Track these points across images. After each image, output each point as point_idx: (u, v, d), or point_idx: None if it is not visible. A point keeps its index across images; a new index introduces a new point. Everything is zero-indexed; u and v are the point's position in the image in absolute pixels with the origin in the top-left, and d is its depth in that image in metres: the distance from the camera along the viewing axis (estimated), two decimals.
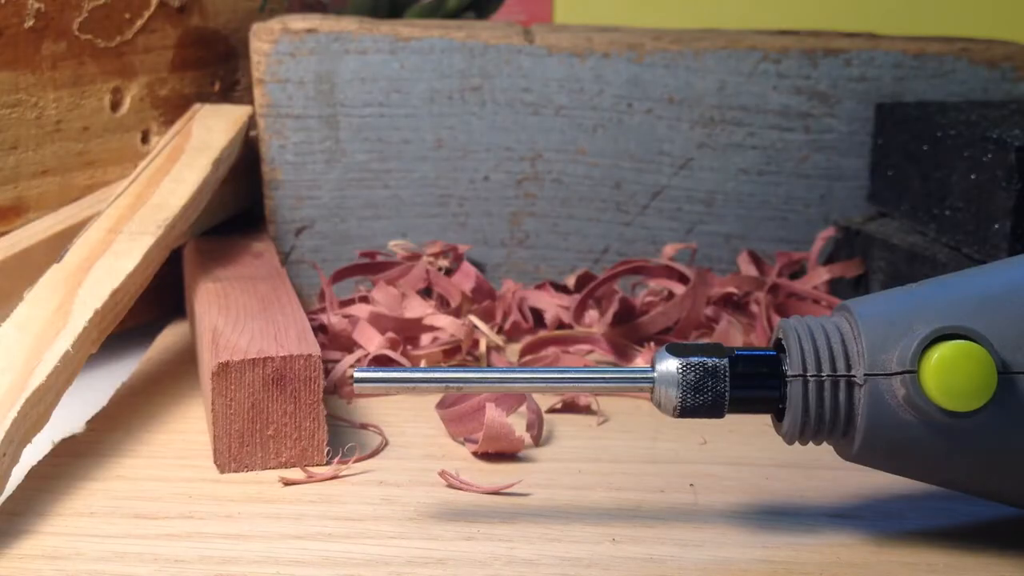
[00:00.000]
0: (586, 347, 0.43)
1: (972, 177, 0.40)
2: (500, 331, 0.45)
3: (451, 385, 0.28)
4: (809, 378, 0.26)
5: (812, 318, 0.27)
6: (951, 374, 0.25)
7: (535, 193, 0.49)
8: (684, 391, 0.27)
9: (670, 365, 0.27)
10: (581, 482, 0.32)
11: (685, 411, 0.27)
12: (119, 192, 0.42)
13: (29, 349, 0.32)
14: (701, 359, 0.27)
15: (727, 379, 0.27)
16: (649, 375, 0.27)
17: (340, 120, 0.48)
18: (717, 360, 0.27)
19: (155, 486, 0.31)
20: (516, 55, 0.48)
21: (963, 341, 0.25)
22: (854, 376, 0.26)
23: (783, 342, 0.27)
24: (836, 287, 0.48)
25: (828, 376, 0.26)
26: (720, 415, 0.27)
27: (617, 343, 0.43)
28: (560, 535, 0.29)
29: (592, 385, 0.29)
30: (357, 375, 0.28)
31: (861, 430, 0.26)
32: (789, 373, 0.27)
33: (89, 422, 0.36)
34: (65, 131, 0.44)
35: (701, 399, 0.27)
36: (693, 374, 0.27)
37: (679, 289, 0.45)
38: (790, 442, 0.27)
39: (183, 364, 0.42)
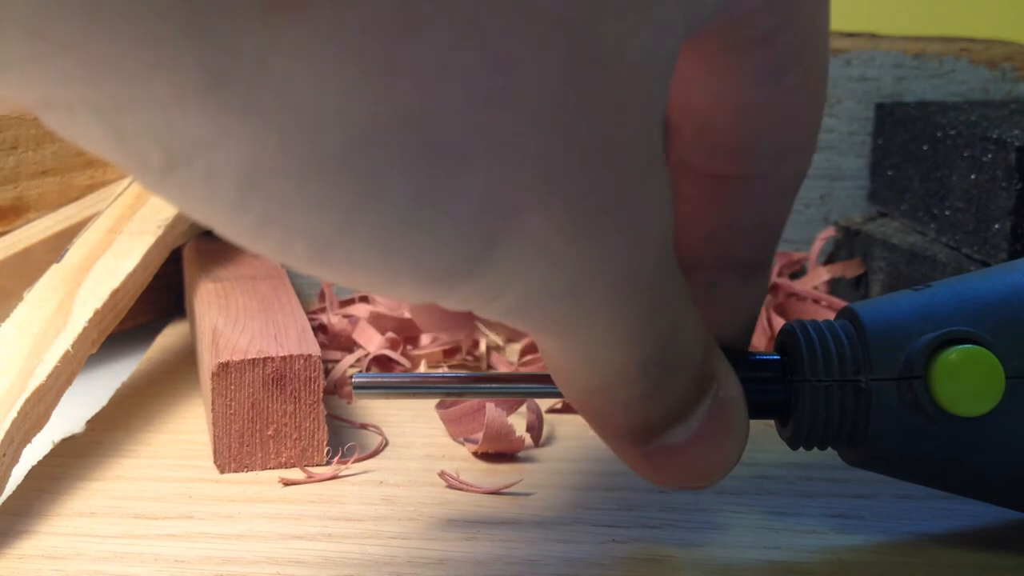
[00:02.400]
0: None
1: (972, 177, 0.40)
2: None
3: (451, 391, 0.28)
4: (814, 383, 0.26)
5: (816, 322, 0.27)
6: (958, 379, 0.25)
7: None
8: None
9: None
10: (581, 482, 0.32)
11: None
12: (119, 192, 0.42)
13: (29, 349, 0.32)
14: None
15: None
16: None
17: None
18: None
19: (155, 486, 0.31)
20: None
21: (971, 345, 0.25)
22: (860, 381, 0.26)
23: (787, 346, 0.27)
24: (836, 287, 0.48)
25: (833, 381, 0.26)
26: None
27: None
28: (560, 535, 0.29)
29: None
30: (356, 380, 0.28)
31: (868, 436, 0.26)
32: (794, 378, 0.26)
33: (89, 422, 0.36)
34: None
35: None
36: None
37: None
38: (795, 447, 0.27)
39: (183, 364, 0.42)
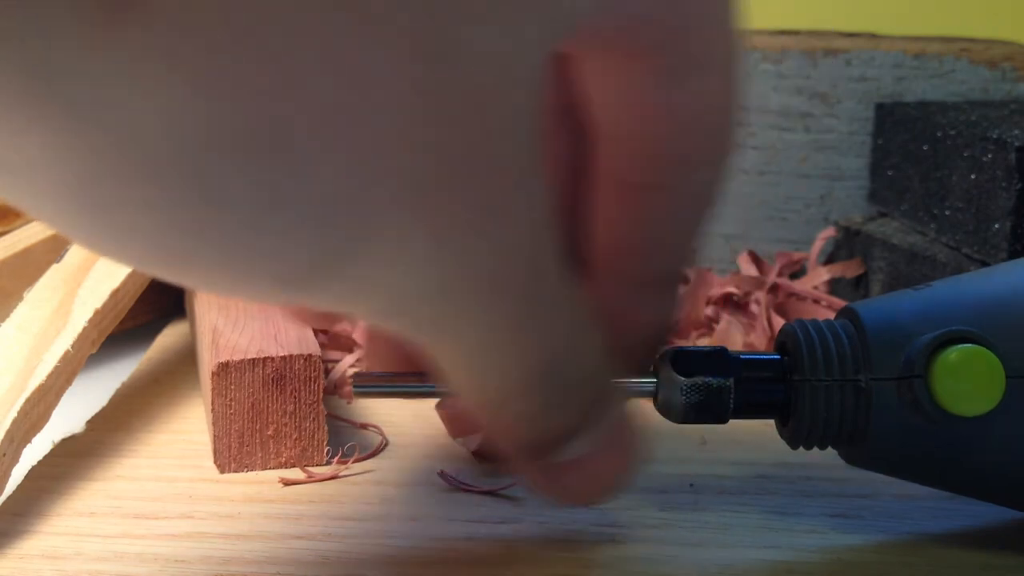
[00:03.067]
0: None
1: (972, 177, 0.40)
2: None
3: (451, 391, 0.28)
4: (814, 382, 0.26)
5: (816, 321, 0.27)
6: (959, 378, 0.25)
7: None
8: (687, 410, 0.27)
9: (674, 381, 0.27)
10: None
11: (687, 422, 0.27)
12: None
13: (29, 349, 0.32)
14: (706, 380, 0.26)
15: (732, 395, 0.26)
16: (651, 379, 0.27)
17: None
18: (723, 381, 0.26)
19: (155, 486, 0.31)
20: None
21: (971, 345, 0.25)
22: (860, 380, 0.26)
23: (787, 346, 0.27)
24: (836, 287, 0.48)
25: (833, 380, 0.26)
26: (723, 422, 0.27)
27: None
28: (560, 535, 0.29)
29: None
30: (356, 381, 0.28)
31: (867, 435, 0.26)
32: (794, 378, 0.26)
33: (89, 422, 0.36)
34: None
35: (704, 416, 0.27)
36: (698, 395, 0.26)
37: (679, 289, 0.45)
38: (795, 447, 0.27)
39: (183, 364, 0.42)
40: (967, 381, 0.25)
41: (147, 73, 0.15)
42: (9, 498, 0.30)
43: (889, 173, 0.47)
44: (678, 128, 0.24)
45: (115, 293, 0.35)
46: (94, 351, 0.34)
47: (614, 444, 0.25)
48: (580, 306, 0.23)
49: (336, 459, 0.33)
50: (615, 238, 0.26)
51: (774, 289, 0.46)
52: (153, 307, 0.46)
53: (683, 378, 0.27)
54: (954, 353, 0.25)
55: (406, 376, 0.28)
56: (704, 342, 0.44)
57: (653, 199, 0.25)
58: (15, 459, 0.29)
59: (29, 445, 0.30)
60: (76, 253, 0.37)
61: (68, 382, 0.32)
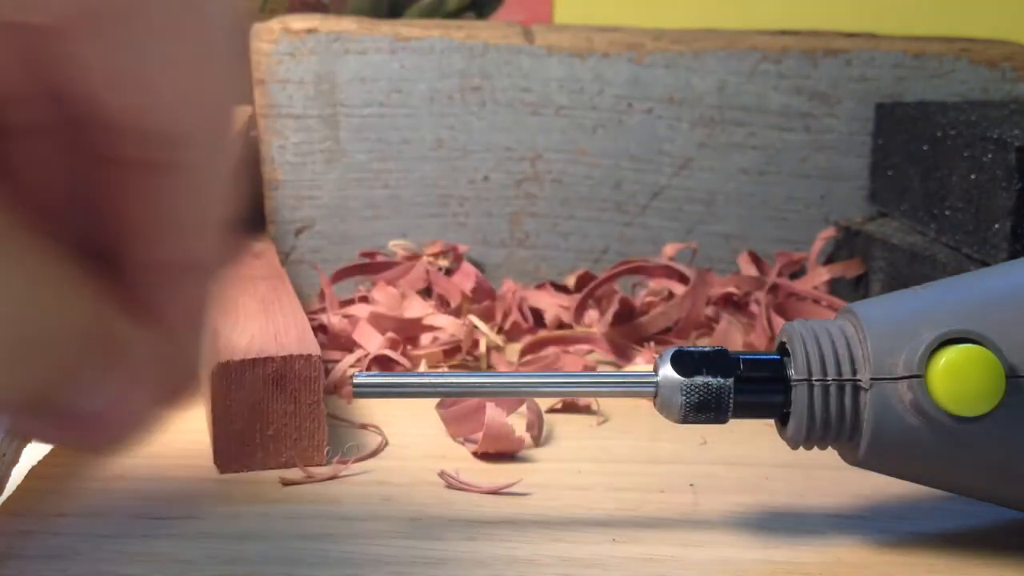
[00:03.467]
0: (586, 347, 0.43)
1: (972, 177, 0.40)
2: (500, 331, 0.45)
3: (451, 391, 0.28)
4: (814, 383, 0.26)
5: (816, 321, 0.27)
6: (958, 378, 0.25)
7: (535, 193, 0.49)
8: (687, 410, 0.27)
9: (674, 381, 0.27)
10: (581, 482, 0.32)
11: (687, 421, 0.27)
12: None
13: None
14: (706, 380, 0.26)
15: (731, 396, 0.27)
16: (651, 379, 0.27)
17: (340, 120, 0.48)
18: (722, 381, 0.27)
19: (155, 486, 0.31)
20: (516, 55, 0.48)
21: (970, 345, 0.25)
22: (860, 381, 0.26)
23: (787, 346, 0.27)
24: (836, 287, 0.48)
25: (833, 380, 0.26)
26: (723, 422, 0.27)
27: (617, 343, 0.43)
28: (560, 535, 0.29)
29: (592, 391, 0.30)
30: (356, 381, 0.28)
31: (867, 435, 0.26)
32: (794, 378, 0.27)
33: None
34: None
35: (704, 416, 0.27)
36: (697, 395, 0.27)
37: (679, 289, 0.45)
38: (795, 447, 0.27)
39: None
40: (967, 381, 0.25)
41: None
42: (9, 498, 0.30)
43: (889, 173, 0.47)
44: (147, 98, 0.23)
45: None
46: None
47: (123, 400, 0.24)
48: (40, 274, 0.22)
49: (336, 459, 0.33)
50: (123, 222, 0.25)
51: (774, 289, 0.46)
52: None
53: (683, 378, 0.27)
54: (954, 353, 0.25)
55: (406, 376, 0.28)
56: (704, 342, 0.44)
57: (152, 179, 0.24)
58: (15, 459, 0.29)
59: (29, 445, 0.30)
60: None
61: None
